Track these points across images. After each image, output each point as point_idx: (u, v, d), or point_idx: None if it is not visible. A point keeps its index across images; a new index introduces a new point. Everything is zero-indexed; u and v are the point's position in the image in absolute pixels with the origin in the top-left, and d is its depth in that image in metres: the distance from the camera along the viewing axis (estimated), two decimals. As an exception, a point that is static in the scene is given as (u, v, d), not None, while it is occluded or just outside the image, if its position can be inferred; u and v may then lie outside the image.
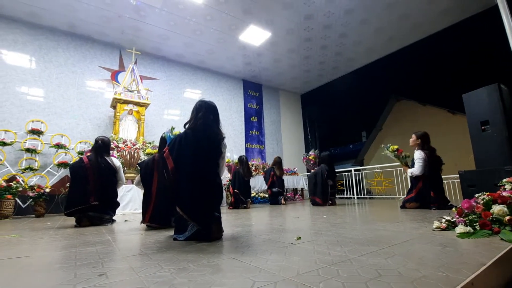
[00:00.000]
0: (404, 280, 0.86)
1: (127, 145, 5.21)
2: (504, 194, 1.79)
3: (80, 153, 5.48)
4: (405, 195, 3.89)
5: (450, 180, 5.96)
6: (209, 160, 1.90)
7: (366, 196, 7.72)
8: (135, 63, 6.72)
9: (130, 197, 4.64)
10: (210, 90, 8.44)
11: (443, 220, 1.84)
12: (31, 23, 5.92)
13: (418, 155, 3.58)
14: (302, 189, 8.14)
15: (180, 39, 6.82)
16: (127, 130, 6.07)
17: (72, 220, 3.14)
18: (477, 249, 1.27)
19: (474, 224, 1.64)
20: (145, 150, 5.42)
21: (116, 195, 3.38)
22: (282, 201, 5.75)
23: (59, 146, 5.43)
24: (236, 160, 6.24)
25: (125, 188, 4.58)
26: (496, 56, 9.29)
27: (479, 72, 10.60)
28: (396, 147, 4.03)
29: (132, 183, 4.88)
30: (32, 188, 4.61)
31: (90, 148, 5.01)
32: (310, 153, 5.94)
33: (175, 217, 1.88)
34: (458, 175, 3.55)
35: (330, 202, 4.73)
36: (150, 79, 7.34)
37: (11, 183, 4.53)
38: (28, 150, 5.15)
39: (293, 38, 7.04)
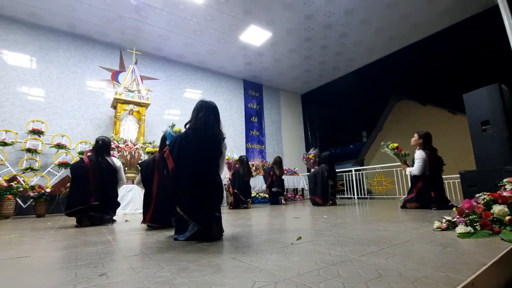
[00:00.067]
0: (404, 280, 0.86)
1: (127, 145, 5.21)
2: (504, 194, 1.78)
3: (81, 153, 5.49)
4: (406, 195, 3.89)
5: (451, 180, 5.95)
6: (210, 160, 1.90)
7: (366, 196, 7.71)
8: (136, 63, 6.73)
9: (131, 197, 4.64)
10: (211, 90, 8.45)
11: (444, 220, 1.84)
12: (32, 23, 5.93)
13: (419, 155, 3.58)
14: (302, 189, 8.14)
15: (181, 39, 6.83)
16: (128, 130, 6.08)
17: (72, 220, 3.14)
18: (478, 249, 1.27)
19: (475, 224, 1.64)
20: (145, 149, 5.42)
21: (117, 195, 3.39)
22: (283, 201, 5.75)
23: (59, 146, 5.44)
24: (236, 158, 6.25)
25: (125, 188, 4.58)
26: (497, 56, 9.28)
27: (480, 72, 10.60)
28: (396, 145, 4.02)
29: (133, 183, 4.88)
30: (32, 188, 4.62)
31: (90, 148, 5.01)
32: (310, 152, 5.94)
33: (176, 217, 1.88)
34: (458, 175, 3.55)
35: (330, 202, 4.73)
36: (151, 79, 7.35)
37: (12, 183, 4.54)
38: (28, 150, 5.15)
39: (293, 38, 7.04)
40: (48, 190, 4.71)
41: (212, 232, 1.77)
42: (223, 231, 1.91)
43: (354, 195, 7.45)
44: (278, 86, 10.11)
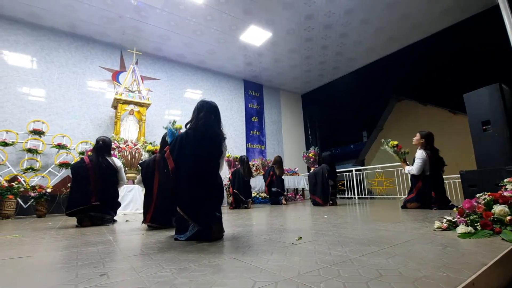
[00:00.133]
0: (405, 280, 0.86)
1: (128, 145, 5.22)
2: (505, 194, 1.78)
3: (81, 153, 5.50)
4: (406, 195, 3.89)
5: (451, 180, 5.95)
6: (210, 160, 1.90)
7: (367, 196, 7.71)
8: (136, 63, 6.74)
9: (131, 197, 4.65)
10: (211, 90, 8.45)
11: (444, 220, 1.84)
12: (32, 24, 5.94)
13: (420, 154, 3.58)
14: (303, 189, 8.14)
15: (181, 39, 6.83)
16: (128, 131, 6.08)
17: (73, 220, 3.15)
18: (478, 249, 1.26)
19: (475, 224, 1.64)
20: (145, 147, 5.41)
21: (117, 195, 3.39)
22: (283, 201, 5.75)
23: (60, 146, 5.44)
24: (236, 155, 6.26)
25: (126, 188, 4.59)
26: (497, 56, 9.27)
27: (480, 72, 10.59)
28: (395, 142, 4.01)
29: (133, 183, 4.89)
30: (33, 188, 4.63)
31: (91, 147, 5.01)
32: (310, 150, 5.94)
33: (176, 217, 1.88)
34: (459, 175, 3.54)
35: (331, 202, 4.73)
36: (151, 79, 7.35)
37: (13, 183, 4.55)
38: (29, 150, 5.16)
39: (293, 38, 7.04)
40: (48, 190, 4.72)
41: (213, 232, 1.77)
42: (224, 231, 1.91)
43: (354, 195, 7.45)
44: (279, 86, 10.11)
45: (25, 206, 4.81)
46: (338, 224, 2.34)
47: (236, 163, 6.03)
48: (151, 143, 5.95)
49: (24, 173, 5.03)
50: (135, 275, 1.04)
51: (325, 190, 4.69)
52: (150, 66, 7.39)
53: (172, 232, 2.05)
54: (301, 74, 9.13)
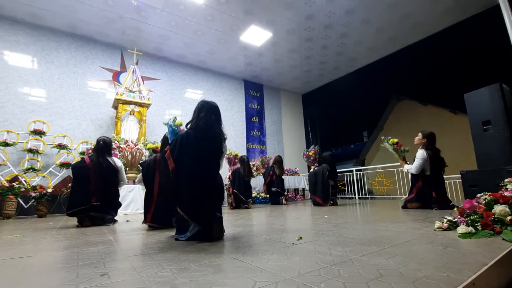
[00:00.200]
0: (405, 280, 0.86)
1: (128, 145, 5.22)
2: (506, 194, 1.78)
3: (82, 153, 5.51)
4: (407, 195, 3.88)
5: (452, 180, 5.94)
6: (211, 160, 1.90)
7: (367, 196, 7.70)
8: (137, 63, 6.74)
9: (132, 197, 4.65)
10: (212, 90, 8.46)
11: (445, 220, 1.84)
12: (33, 24, 5.95)
13: (420, 154, 3.58)
14: (303, 189, 8.14)
15: (181, 39, 6.84)
16: (129, 131, 6.09)
17: (74, 220, 3.15)
18: (479, 249, 1.26)
19: (476, 224, 1.64)
20: (146, 145, 5.41)
21: (118, 195, 3.40)
22: (283, 201, 5.75)
23: (61, 146, 5.45)
24: (236, 152, 6.27)
25: (126, 188, 4.59)
26: (498, 55, 9.26)
27: (481, 72, 10.57)
28: (395, 140, 4.01)
29: (134, 183, 4.89)
30: (34, 188, 4.63)
31: (91, 147, 5.01)
32: (310, 149, 5.94)
33: (177, 217, 1.88)
34: (459, 175, 3.54)
35: (331, 202, 4.73)
36: (152, 79, 7.36)
37: (14, 184, 4.56)
38: (30, 150, 5.17)
39: (294, 38, 7.04)
40: (49, 190, 4.72)
41: (213, 232, 1.77)
42: (224, 231, 1.91)
43: (355, 195, 7.45)
44: (279, 86, 10.11)
45: (26, 206, 4.82)
46: (338, 224, 2.34)
47: (236, 160, 6.03)
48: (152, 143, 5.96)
49: (25, 173, 5.04)
50: (136, 275, 1.04)
51: (325, 190, 4.69)
52: (150, 66, 7.40)
53: (172, 232, 2.05)
54: (302, 74, 9.13)
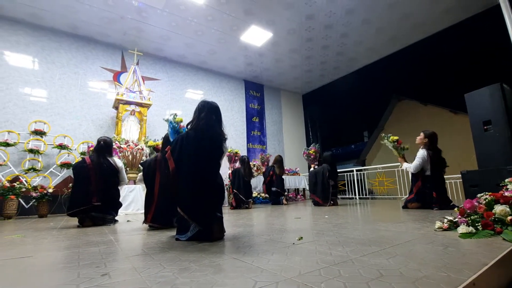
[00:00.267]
0: (405, 280, 0.86)
1: (129, 145, 5.23)
2: (506, 194, 1.78)
3: (83, 153, 5.52)
4: (407, 195, 3.88)
5: (452, 180, 5.93)
6: (211, 160, 1.90)
7: (368, 196, 7.70)
8: (137, 64, 6.75)
9: (133, 198, 4.66)
10: (212, 91, 8.46)
11: (445, 220, 1.84)
12: (33, 24, 5.96)
13: (420, 154, 3.58)
14: (304, 189, 8.14)
15: (182, 39, 6.84)
16: (129, 131, 6.10)
17: (74, 220, 3.15)
18: (479, 249, 1.26)
19: (476, 224, 1.64)
20: (147, 143, 5.41)
21: (119, 196, 3.40)
22: (284, 201, 5.75)
23: (61, 146, 5.46)
24: (236, 150, 6.28)
25: (127, 188, 4.60)
26: (498, 55, 9.25)
27: (481, 72, 10.56)
28: (396, 138, 4.00)
29: (135, 183, 4.90)
30: (35, 188, 4.64)
31: (91, 145, 4.99)
32: (311, 147, 5.94)
33: (177, 217, 1.89)
34: (460, 175, 3.54)
35: (332, 202, 4.73)
36: (152, 79, 7.37)
37: (15, 184, 4.57)
38: (31, 150, 5.18)
39: (294, 38, 7.04)
40: (50, 190, 4.73)
41: (213, 232, 1.78)
42: (225, 231, 1.91)
43: (355, 195, 7.44)
44: (279, 86, 10.11)
45: (26, 206, 4.82)
46: (339, 224, 2.34)
47: (236, 158, 6.04)
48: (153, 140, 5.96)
49: (26, 173, 5.05)
50: (137, 275, 1.04)
51: (325, 190, 4.69)
52: (151, 67, 7.41)
53: (173, 232, 2.05)
54: (302, 74, 9.13)
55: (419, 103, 12.10)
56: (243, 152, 8.47)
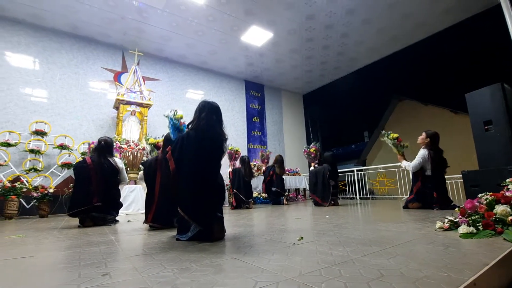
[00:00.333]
0: (406, 281, 0.86)
1: (130, 145, 5.23)
2: (507, 194, 1.78)
3: (83, 153, 5.52)
4: (408, 196, 3.87)
5: (453, 180, 5.92)
6: (211, 161, 1.90)
7: (368, 196, 7.69)
8: (138, 64, 6.76)
9: (133, 198, 4.66)
10: (212, 91, 8.47)
11: (446, 221, 1.84)
12: (34, 25, 5.97)
13: (421, 153, 3.57)
14: (304, 189, 8.13)
15: (182, 40, 6.85)
16: (130, 131, 6.11)
17: (75, 221, 3.16)
18: (480, 249, 1.26)
19: (477, 225, 1.64)
20: (148, 140, 5.41)
21: (119, 196, 3.41)
22: (284, 201, 5.75)
23: (62, 147, 5.47)
24: (237, 148, 6.28)
25: (128, 188, 4.60)
26: (499, 55, 9.23)
27: (482, 72, 10.54)
28: (396, 135, 4.00)
29: (135, 183, 4.91)
30: (36, 188, 4.65)
31: (88, 152, 4.98)
32: (311, 146, 5.95)
33: (178, 217, 1.89)
34: (461, 175, 3.53)
35: (332, 202, 4.73)
36: (153, 80, 7.37)
37: (15, 184, 4.58)
38: (32, 151, 5.19)
39: (295, 38, 7.04)
40: (51, 190, 4.74)
41: (214, 232, 1.78)
42: (225, 231, 1.91)
43: (356, 195, 7.44)
44: (280, 86, 10.11)
45: (27, 207, 4.83)
46: (339, 224, 2.34)
47: (237, 156, 6.05)
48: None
49: (27, 173, 5.06)
50: (137, 275, 1.04)
51: (325, 190, 4.69)
52: (151, 67, 7.42)
53: (173, 232, 2.06)
54: (302, 74, 9.13)
55: (420, 103, 12.09)
56: (243, 152, 8.47)
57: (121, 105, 6.06)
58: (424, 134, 3.69)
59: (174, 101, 7.63)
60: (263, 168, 6.98)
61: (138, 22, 6.12)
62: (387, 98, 13.54)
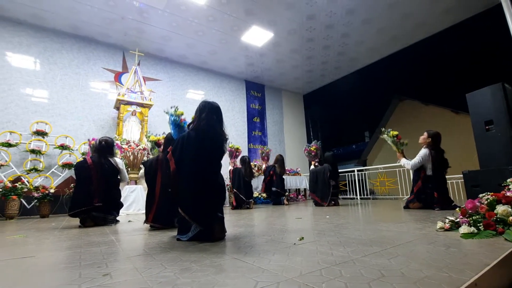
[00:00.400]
0: (407, 281, 0.86)
1: (130, 146, 5.23)
2: (508, 194, 1.78)
3: (84, 154, 5.53)
4: (408, 196, 3.87)
5: (454, 180, 5.92)
6: (211, 161, 1.90)
7: (369, 196, 7.69)
8: (138, 64, 6.77)
9: (134, 198, 4.66)
10: (213, 91, 8.47)
11: (447, 221, 1.83)
12: (35, 25, 5.98)
13: (422, 153, 3.57)
14: (305, 189, 8.13)
15: (183, 40, 6.85)
16: (131, 131, 6.12)
17: (76, 221, 3.16)
18: (481, 249, 1.26)
19: (478, 225, 1.64)
20: (149, 137, 5.40)
21: (120, 196, 3.41)
22: (285, 201, 5.75)
23: (63, 147, 5.48)
24: (237, 146, 6.29)
25: (128, 188, 4.61)
26: (499, 55, 9.22)
27: (482, 72, 10.52)
28: (396, 133, 4.00)
29: (136, 183, 4.91)
30: (37, 188, 4.66)
31: (89, 149, 4.99)
32: (312, 144, 5.95)
33: (178, 217, 1.89)
34: (462, 175, 3.53)
35: (333, 202, 4.73)
36: (153, 80, 7.38)
37: (16, 184, 4.58)
38: (33, 151, 5.19)
39: (295, 39, 7.04)
40: (52, 190, 4.75)
41: (214, 232, 1.78)
42: (226, 232, 1.91)
43: (356, 195, 7.43)
44: (280, 86, 10.11)
45: (28, 207, 4.84)
46: (340, 224, 2.34)
47: (237, 153, 6.05)
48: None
49: (28, 173, 5.07)
50: (138, 275, 1.04)
51: (325, 190, 4.69)
52: (152, 67, 7.42)
53: (174, 232, 2.06)
54: (303, 74, 9.13)
55: (421, 103, 12.08)
56: (244, 152, 8.46)
57: (122, 106, 6.07)
58: (425, 134, 3.69)
59: (175, 101, 7.63)
60: (264, 166, 6.98)
61: (139, 22, 6.13)
62: (388, 98, 13.53)
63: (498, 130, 3.20)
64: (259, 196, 6.66)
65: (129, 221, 3.46)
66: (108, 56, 6.82)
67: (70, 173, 5.45)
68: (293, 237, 1.76)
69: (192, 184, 1.79)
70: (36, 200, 4.60)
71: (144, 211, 3.14)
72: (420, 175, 3.60)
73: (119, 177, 3.37)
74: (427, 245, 1.41)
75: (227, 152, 5.93)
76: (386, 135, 4.07)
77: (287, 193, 6.36)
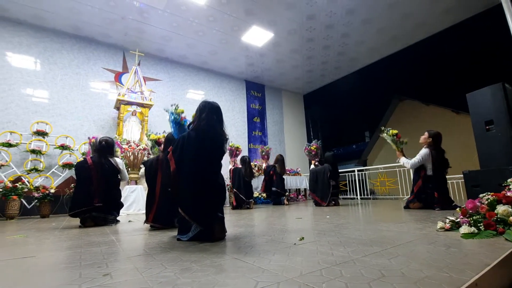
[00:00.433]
0: (407, 281, 0.86)
1: (130, 146, 5.23)
2: (508, 194, 1.77)
3: (84, 154, 5.53)
4: (409, 196, 3.87)
5: (454, 180, 5.91)
6: (212, 161, 1.90)
7: (369, 196, 7.68)
8: (139, 64, 6.77)
9: (134, 198, 4.66)
10: (213, 91, 8.47)
11: (447, 221, 1.83)
12: (36, 25, 5.99)
13: (423, 152, 3.57)
14: (305, 189, 8.13)
15: (183, 40, 6.86)
16: (131, 131, 6.12)
17: (76, 221, 3.17)
18: (481, 249, 1.26)
19: (479, 225, 1.63)
20: (149, 136, 5.41)
21: (120, 196, 3.41)
22: (285, 201, 5.75)
23: (63, 147, 5.48)
24: (237, 145, 6.29)
25: (128, 188, 4.61)
26: (500, 55, 9.22)
27: (483, 72, 10.52)
28: (395, 131, 4.00)
29: (136, 183, 4.91)
30: (37, 189, 4.66)
31: (89, 147, 5.00)
32: (312, 143, 5.96)
33: (178, 217, 1.89)
34: (462, 175, 3.52)
35: (333, 202, 4.73)
36: (153, 80, 7.38)
37: (17, 184, 4.59)
38: (33, 151, 5.20)
39: (295, 39, 7.04)
40: (52, 190, 4.75)
41: (215, 232, 1.78)
42: (226, 232, 1.91)
43: (357, 195, 7.43)
44: (280, 86, 10.11)
45: (29, 207, 4.84)
46: (340, 224, 2.34)
47: (238, 152, 6.05)
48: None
49: (28, 173, 5.07)
50: (138, 275, 1.04)
51: (325, 190, 4.69)
52: (152, 67, 7.42)
53: (174, 232, 2.06)
54: (303, 74, 9.13)
55: (421, 103, 12.07)
56: (244, 152, 8.46)
57: (122, 106, 6.07)
58: (426, 133, 3.69)
59: (175, 102, 7.46)
60: (264, 165, 6.98)
61: (139, 23, 6.13)
62: (388, 98, 13.53)
63: (499, 130, 3.20)
64: (259, 196, 6.66)
65: (129, 221, 3.46)
66: (109, 56, 6.83)
67: (70, 173, 5.45)
68: (293, 237, 1.76)
69: (192, 184, 1.79)
70: (36, 200, 4.60)
71: (144, 211, 3.14)
72: (421, 175, 3.60)
73: (119, 177, 3.37)
74: (428, 245, 1.40)
75: (227, 151, 5.93)
76: (385, 134, 4.07)
77: (287, 193, 6.36)
